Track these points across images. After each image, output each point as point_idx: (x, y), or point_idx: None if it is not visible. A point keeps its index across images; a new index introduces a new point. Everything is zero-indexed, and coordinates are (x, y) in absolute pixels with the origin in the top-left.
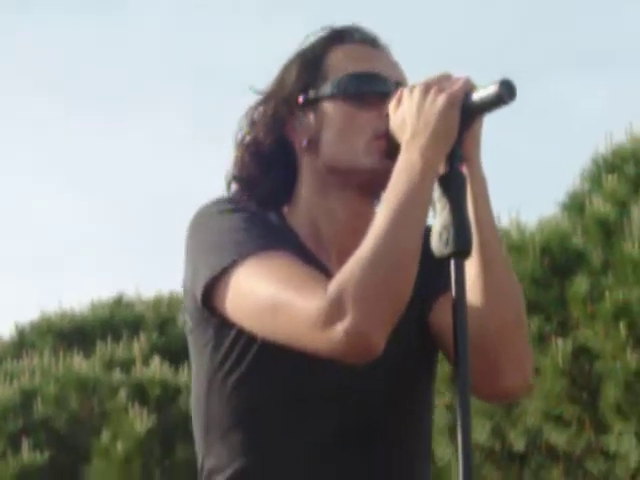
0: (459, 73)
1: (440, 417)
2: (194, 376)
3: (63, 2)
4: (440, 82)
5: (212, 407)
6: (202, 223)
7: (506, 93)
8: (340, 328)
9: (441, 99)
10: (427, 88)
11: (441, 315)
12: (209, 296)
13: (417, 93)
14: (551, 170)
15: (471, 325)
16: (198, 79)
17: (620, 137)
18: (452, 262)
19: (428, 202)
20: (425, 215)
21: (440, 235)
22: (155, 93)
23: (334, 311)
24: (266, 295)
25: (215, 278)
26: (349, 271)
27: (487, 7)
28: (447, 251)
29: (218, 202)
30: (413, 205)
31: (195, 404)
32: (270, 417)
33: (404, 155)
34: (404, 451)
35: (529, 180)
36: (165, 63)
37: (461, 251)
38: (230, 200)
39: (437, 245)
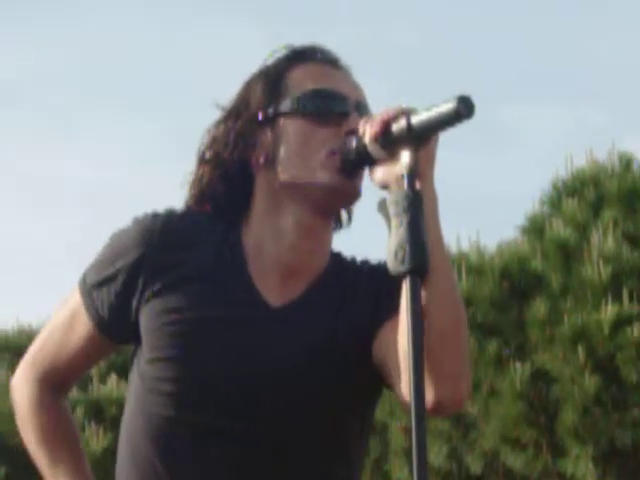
0: (413, 98)
1: (397, 440)
2: None
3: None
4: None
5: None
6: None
7: (463, 109)
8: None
9: None
10: None
11: (382, 347)
12: None
13: None
14: (511, 194)
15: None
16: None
17: (580, 161)
18: (408, 280)
19: None
20: None
21: (396, 253)
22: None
23: (21, 366)
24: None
25: None
26: (17, 398)
27: (446, 31)
28: (403, 269)
29: (129, 230)
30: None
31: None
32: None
33: None
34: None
35: (489, 203)
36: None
37: (418, 269)
38: (141, 229)
39: (393, 263)
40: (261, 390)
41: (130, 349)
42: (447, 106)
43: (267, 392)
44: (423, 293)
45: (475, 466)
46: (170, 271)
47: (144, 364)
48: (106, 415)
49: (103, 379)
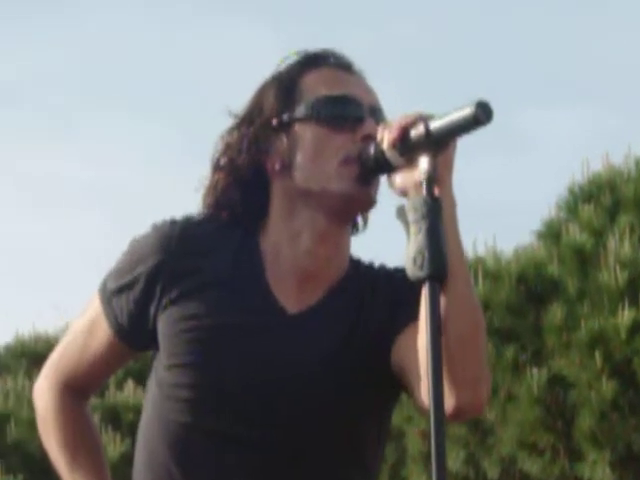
0: (430, 103)
1: (414, 445)
2: None
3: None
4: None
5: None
6: (128, 244)
7: (482, 115)
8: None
9: None
10: None
11: (401, 353)
12: None
13: None
14: (527, 199)
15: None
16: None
17: (596, 166)
18: (427, 286)
19: None
20: None
21: (414, 259)
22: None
23: (43, 372)
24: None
25: None
26: (49, 417)
27: (463, 35)
28: (422, 275)
29: (148, 237)
30: None
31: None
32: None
33: None
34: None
35: (506, 209)
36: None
37: (437, 275)
38: (161, 236)
39: (412, 269)
40: (278, 397)
41: (148, 355)
42: (465, 112)
43: (284, 398)
44: (442, 299)
45: (492, 471)
46: (188, 278)
47: (162, 371)
48: (123, 421)
49: (120, 385)
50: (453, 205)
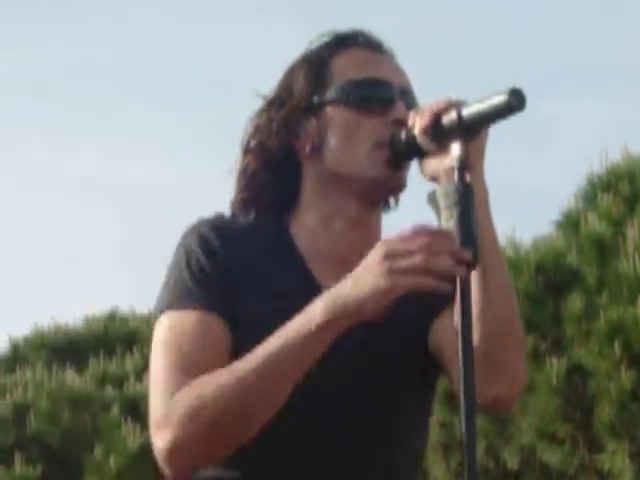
0: (450, 90)
1: (433, 434)
2: None
3: None
4: None
5: None
6: (175, 249)
7: (515, 102)
8: (159, 441)
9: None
10: (387, 257)
11: (439, 334)
12: None
13: (375, 259)
14: (546, 188)
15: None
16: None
17: (615, 156)
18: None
19: (309, 360)
20: (300, 372)
21: None
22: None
23: (161, 423)
24: (154, 361)
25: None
26: (193, 396)
27: (478, 29)
28: None
29: (196, 228)
30: (288, 362)
31: None
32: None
33: (316, 301)
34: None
35: (524, 198)
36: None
37: (469, 262)
38: (209, 227)
39: None
40: (330, 373)
41: None
42: (498, 98)
43: (336, 383)
44: (479, 289)
45: (512, 461)
46: (236, 267)
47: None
48: (142, 412)
49: (139, 376)
50: (486, 192)
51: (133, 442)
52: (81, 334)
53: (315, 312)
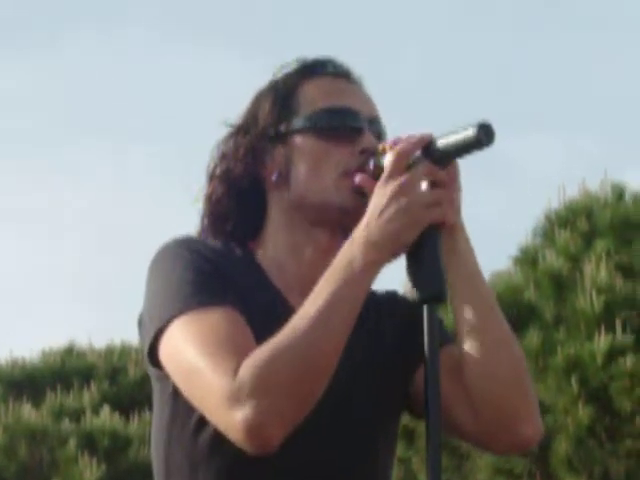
0: (415, 126)
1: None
2: (155, 422)
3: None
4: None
5: (173, 453)
6: (157, 267)
7: (484, 136)
8: (239, 415)
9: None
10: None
11: (421, 383)
12: (153, 352)
13: (389, 191)
14: (504, 224)
15: (481, 375)
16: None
17: (573, 192)
18: (425, 308)
19: (359, 304)
20: (354, 316)
21: (414, 282)
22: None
23: (236, 396)
24: (186, 358)
25: (155, 338)
26: (261, 358)
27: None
28: (419, 297)
29: (177, 243)
30: (342, 306)
31: (155, 450)
32: (229, 460)
33: (347, 248)
34: None
35: (482, 234)
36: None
37: (435, 297)
38: (190, 241)
39: (412, 291)
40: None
41: (124, 380)
42: (467, 133)
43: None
44: (485, 331)
45: None
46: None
47: None
48: (99, 447)
49: (96, 411)
50: (463, 228)
51: (90, 476)
52: (38, 368)
53: (353, 257)
